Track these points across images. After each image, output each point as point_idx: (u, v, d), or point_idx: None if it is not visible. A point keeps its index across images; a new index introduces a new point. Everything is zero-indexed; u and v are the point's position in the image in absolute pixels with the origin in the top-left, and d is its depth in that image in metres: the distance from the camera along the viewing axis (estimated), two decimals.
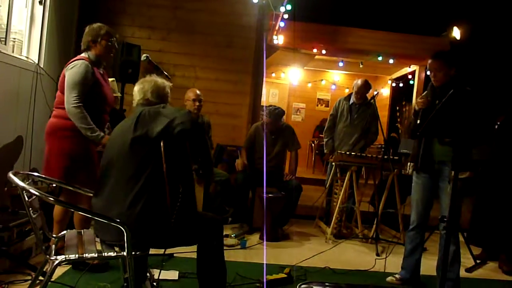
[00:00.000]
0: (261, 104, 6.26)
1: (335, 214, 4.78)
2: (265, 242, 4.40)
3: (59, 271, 3.01)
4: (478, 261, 4.25)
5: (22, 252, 3.16)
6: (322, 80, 10.99)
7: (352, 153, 4.86)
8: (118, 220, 2.03)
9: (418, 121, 3.21)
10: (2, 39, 4.07)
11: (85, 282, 2.90)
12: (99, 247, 2.23)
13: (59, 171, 3.06)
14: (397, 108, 9.18)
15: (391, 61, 7.98)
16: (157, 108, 2.27)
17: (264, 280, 3.16)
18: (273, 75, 10.54)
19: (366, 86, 5.21)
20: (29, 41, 4.49)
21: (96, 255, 2.14)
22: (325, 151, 5.49)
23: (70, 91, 3.02)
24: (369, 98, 5.22)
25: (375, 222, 4.70)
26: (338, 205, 4.77)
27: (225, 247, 2.50)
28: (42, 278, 2.09)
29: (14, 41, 4.26)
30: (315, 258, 3.99)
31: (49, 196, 2.04)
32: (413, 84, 8.77)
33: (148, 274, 2.56)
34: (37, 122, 4.35)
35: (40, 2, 4.52)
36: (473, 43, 8.14)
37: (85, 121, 3.01)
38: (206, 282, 2.34)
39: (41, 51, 4.54)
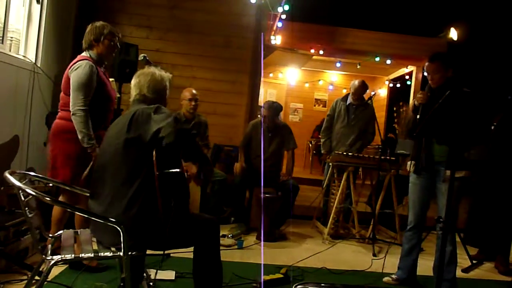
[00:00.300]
0: (259, 104, 6.27)
1: (332, 215, 4.78)
2: (262, 242, 4.40)
3: (55, 271, 3.01)
4: (474, 262, 4.26)
5: (19, 252, 3.15)
6: (319, 80, 11.00)
7: (349, 154, 4.86)
8: (114, 220, 2.02)
9: (418, 116, 3.22)
10: None
11: (82, 282, 2.90)
12: (95, 247, 2.22)
13: (66, 174, 3.04)
14: (394, 108, 9.19)
15: (388, 61, 7.99)
16: (150, 110, 2.18)
17: (262, 280, 3.17)
18: (271, 75, 10.54)
19: (363, 87, 5.22)
20: (26, 40, 4.48)
21: (92, 255, 2.13)
22: (322, 151, 5.50)
23: (76, 93, 2.99)
24: (366, 98, 5.23)
25: (372, 223, 4.71)
26: (335, 206, 4.78)
27: (221, 247, 2.49)
28: (39, 278, 2.09)
29: (11, 40, 4.24)
30: (312, 258, 3.99)
31: (46, 196, 2.03)
32: (410, 85, 8.78)
33: (144, 274, 2.55)
34: (34, 121, 4.34)
35: (38, 1, 4.50)
36: (470, 44, 8.16)
37: (87, 126, 2.98)
38: (201, 283, 2.33)
39: (38, 50, 4.52)
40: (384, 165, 4.72)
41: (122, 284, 2.18)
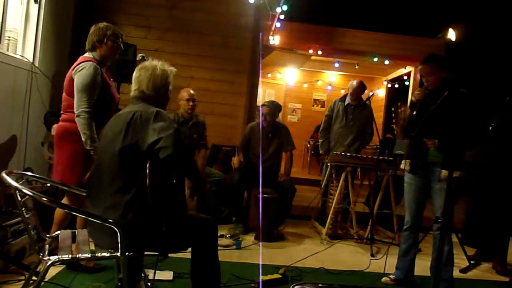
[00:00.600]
0: (257, 104, 6.26)
1: (330, 215, 4.78)
2: (261, 243, 4.40)
3: (53, 271, 3.00)
4: (472, 262, 4.26)
5: (16, 252, 3.14)
6: (318, 80, 11.02)
7: (348, 154, 4.86)
8: (112, 221, 2.01)
9: (414, 113, 3.23)
10: None
11: (79, 282, 2.89)
12: (93, 247, 2.22)
13: (74, 175, 3.02)
14: (393, 109, 9.19)
15: (386, 62, 8.01)
16: (149, 114, 2.12)
17: (260, 280, 3.17)
18: (269, 75, 10.55)
19: (361, 87, 5.22)
20: (24, 39, 4.47)
21: (89, 255, 2.13)
22: (320, 151, 5.50)
23: (80, 94, 2.96)
24: (364, 99, 5.23)
25: (370, 223, 4.71)
26: (333, 206, 4.78)
27: (219, 248, 2.49)
28: (36, 278, 2.08)
29: (9, 40, 4.24)
30: (310, 259, 3.99)
31: (43, 196, 2.02)
32: (408, 85, 8.80)
33: (142, 275, 2.55)
34: (32, 121, 4.33)
35: (36, 1, 4.50)
36: (468, 45, 8.17)
37: (91, 128, 2.96)
38: (199, 283, 2.32)
39: (36, 50, 4.51)
40: (382, 166, 4.72)
41: (119, 284, 2.18)
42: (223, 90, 5.91)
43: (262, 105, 5.04)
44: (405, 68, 8.78)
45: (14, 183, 2.01)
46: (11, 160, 4.12)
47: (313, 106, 11.19)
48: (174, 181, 2.19)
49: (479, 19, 8.60)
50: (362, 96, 5.32)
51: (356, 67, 8.72)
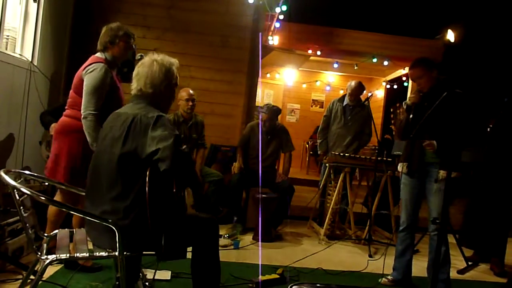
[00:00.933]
0: (256, 104, 6.26)
1: (328, 215, 4.79)
2: (260, 243, 4.40)
3: (51, 270, 3.00)
4: (470, 263, 4.27)
5: (14, 251, 3.14)
6: (316, 81, 11.02)
7: (346, 155, 4.87)
8: (110, 221, 2.01)
9: (411, 116, 3.23)
10: None
11: (77, 282, 2.89)
12: (91, 246, 2.21)
13: (66, 173, 3.01)
14: (391, 110, 9.18)
15: (385, 63, 8.01)
16: (149, 119, 2.07)
17: (260, 280, 3.17)
18: (268, 75, 10.55)
19: (360, 88, 5.22)
20: (23, 38, 4.47)
21: (87, 254, 2.12)
22: (319, 152, 5.50)
23: (89, 96, 2.95)
24: (363, 99, 5.23)
25: (368, 224, 4.71)
26: (331, 206, 4.78)
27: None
28: (33, 277, 2.08)
29: (7, 39, 4.23)
30: (308, 259, 3.99)
31: (41, 195, 2.02)
32: (407, 86, 8.81)
33: (140, 274, 2.55)
34: (30, 120, 4.32)
35: (34, 0, 4.49)
36: (467, 46, 8.18)
37: (97, 130, 2.91)
38: (200, 282, 2.32)
39: (34, 49, 4.51)
40: (380, 166, 4.72)
41: (117, 283, 2.17)
42: (222, 90, 5.91)
43: (261, 112, 5.04)
44: (404, 69, 8.78)
45: (12, 182, 2.01)
46: (9, 159, 4.11)
47: (311, 106, 11.19)
48: (174, 190, 2.18)
49: (478, 20, 8.62)
50: (361, 96, 5.32)
51: (355, 67, 8.72)
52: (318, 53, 7.82)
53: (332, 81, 11.05)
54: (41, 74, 4.56)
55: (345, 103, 5.29)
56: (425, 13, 9.12)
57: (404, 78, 9.04)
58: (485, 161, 4.36)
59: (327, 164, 5.03)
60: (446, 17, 8.36)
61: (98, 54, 3.14)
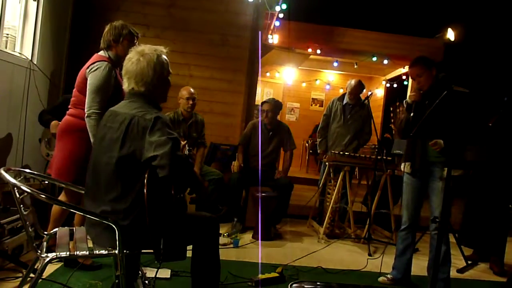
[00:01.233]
0: (256, 103, 6.26)
1: (328, 214, 4.79)
2: (260, 241, 4.41)
3: (50, 269, 3.00)
4: (469, 262, 4.28)
5: (13, 249, 3.14)
6: (316, 80, 11.01)
7: (346, 153, 4.87)
8: (110, 219, 2.01)
9: (412, 114, 3.23)
10: None
11: (77, 280, 2.89)
12: (90, 244, 2.22)
13: (71, 173, 3.01)
14: (391, 108, 9.19)
15: (385, 61, 8.01)
16: (146, 122, 2.03)
17: (259, 279, 3.17)
18: (268, 74, 10.55)
19: (359, 87, 5.22)
20: (23, 37, 4.46)
21: (87, 252, 2.12)
22: (318, 151, 5.50)
23: (93, 95, 2.95)
24: (363, 98, 5.23)
25: (367, 223, 4.71)
26: (331, 205, 4.78)
27: None
28: (33, 275, 2.08)
29: (7, 37, 4.22)
30: (307, 258, 3.99)
31: (41, 193, 2.02)
32: (407, 85, 8.81)
33: (140, 272, 2.55)
34: (30, 119, 4.32)
35: None
36: (467, 45, 8.18)
37: None
38: (199, 281, 2.32)
39: (34, 47, 4.50)
40: (380, 165, 4.73)
41: (117, 281, 2.17)
42: (221, 89, 5.91)
43: (263, 102, 5.05)
44: (403, 68, 8.78)
45: (12, 180, 2.01)
46: (9, 157, 4.11)
47: (311, 105, 11.19)
48: (173, 192, 2.17)
49: (478, 19, 8.61)
50: (361, 95, 5.32)
51: (355, 66, 8.72)
52: (318, 51, 7.81)
53: (332, 79, 11.05)
54: (41, 73, 4.56)
55: (345, 102, 5.29)
56: (425, 12, 9.12)
57: (404, 77, 9.04)
58: (485, 160, 4.36)
59: (326, 163, 5.04)
60: (446, 16, 8.35)
61: (101, 53, 3.13)
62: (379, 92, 10.44)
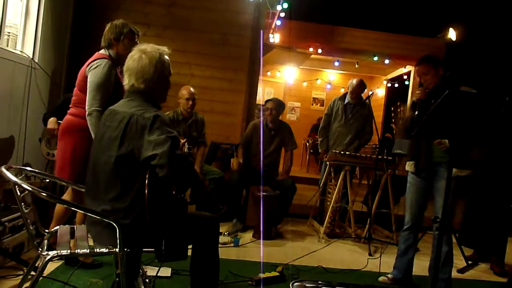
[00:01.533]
0: (257, 102, 6.26)
1: (328, 214, 4.79)
2: (261, 241, 4.40)
3: (51, 267, 3.00)
4: (470, 262, 4.27)
5: (14, 247, 3.14)
6: (317, 79, 11.02)
7: (346, 153, 4.86)
8: (111, 217, 2.01)
9: (416, 112, 3.22)
10: None
11: (77, 278, 2.88)
12: (91, 243, 2.22)
13: (73, 171, 3.01)
14: (392, 108, 9.20)
15: (386, 61, 8.01)
16: (145, 121, 2.02)
17: (260, 278, 3.17)
18: (269, 73, 10.55)
19: (361, 86, 5.22)
20: (24, 35, 4.46)
21: (88, 251, 2.12)
22: (319, 150, 5.50)
23: (94, 93, 2.94)
24: (364, 98, 5.23)
25: (368, 222, 4.71)
26: (331, 205, 4.78)
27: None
28: (34, 273, 2.08)
29: (8, 35, 4.23)
30: (308, 257, 3.99)
31: (42, 192, 2.02)
32: (408, 85, 8.80)
33: (140, 271, 2.55)
34: (31, 117, 4.32)
35: None
36: (468, 45, 8.18)
37: None
38: (198, 279, 2.33)
39: (35, 46, 4.50)
40: (381, 165, 4.72)
41: (117, 280, 2.17)
42: (222, 88, 5.91)
43: (267, 101, 5.07)
44: (405, 68, 8.78)
45: (13, 178, 2.01)
46: (10, 155, 4.11)
47: (312, 104, 11.19)
48: (173, 192, 2.17)
49: (480, 19, 8.61)
50: (362, 95, 5.31)
51: (356, 66, 8.72)
52: (319, 51, 7.81)
53: (333, 79, 11.05)
54: (42, 71, 4.56)
55: (346, 101, 5.28)
56: (427, 12, 9.12)
57: (405, 77, 9.03)
58: (486, 160, 4.35)
59: (327, 163, 5.03)
60: (448, 16, 8.35)
61: (102, 51, 3.13)
62: (380, 92, 10.44)
